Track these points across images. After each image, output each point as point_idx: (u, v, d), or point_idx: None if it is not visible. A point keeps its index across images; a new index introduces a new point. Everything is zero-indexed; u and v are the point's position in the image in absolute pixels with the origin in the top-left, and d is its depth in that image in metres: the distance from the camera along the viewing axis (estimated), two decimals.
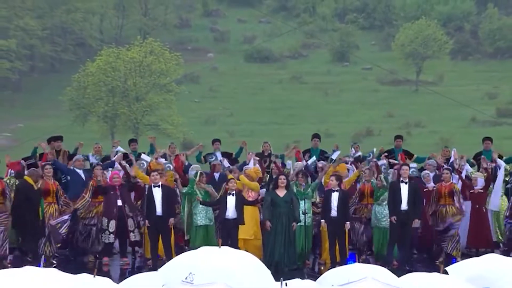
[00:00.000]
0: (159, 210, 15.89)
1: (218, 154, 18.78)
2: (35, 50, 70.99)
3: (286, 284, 8.83)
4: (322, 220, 16.16)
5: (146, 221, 15.96)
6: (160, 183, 16.04)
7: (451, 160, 18.11)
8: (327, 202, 16.10)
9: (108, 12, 77.54)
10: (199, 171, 16.98)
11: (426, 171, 17.69)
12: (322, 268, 16.24)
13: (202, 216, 16.50)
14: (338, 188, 16.12)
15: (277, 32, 73.93)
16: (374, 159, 18.25)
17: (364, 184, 17.22)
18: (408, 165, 16.93)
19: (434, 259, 16.78)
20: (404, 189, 16.05)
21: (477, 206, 17.22)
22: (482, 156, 18.28)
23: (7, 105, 65.47)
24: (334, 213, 16.00)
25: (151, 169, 16.99)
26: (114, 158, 17.78)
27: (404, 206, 16.01)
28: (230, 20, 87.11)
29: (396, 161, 18.24)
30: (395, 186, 16.16)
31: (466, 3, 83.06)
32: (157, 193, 15.93)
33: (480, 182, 17.34)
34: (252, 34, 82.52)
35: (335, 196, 16.01)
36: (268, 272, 9.59)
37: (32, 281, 8.19)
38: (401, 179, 16.20)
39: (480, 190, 17.27)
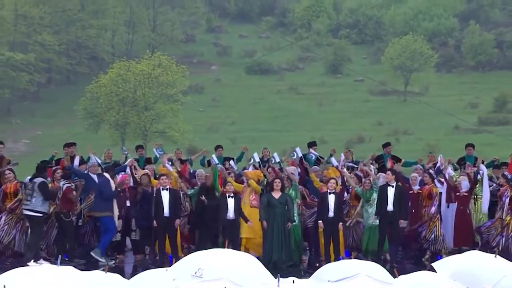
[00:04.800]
0: (166, 211, 15.90)
1: (214, 158, 18.78)
2: (52, 63, 71.05)
3: (293, 282, 8.83)
4: (320, 222, 16.16)
5: (154, 221, 15.97)
6: (168, 186, 16.10)
7: (437, 165, 18.10)
8: (324, 203, 16.11)
9: (119, 29, 77.67)
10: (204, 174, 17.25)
11: (414, 174, 17.70)
12: (317, 265, 16.21)
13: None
14: (334, 190, 16.17)
15: (276, 46, 74.00)
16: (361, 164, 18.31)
17: (352, 188, 17.28)
18: (393, 170, 16.95)
19: (420, 256, 16.86)
20: (391, 192, 16.22)
21: (462, 207, 17.19)
22: (467, 162, 18.27)
23: (26, 114, 65.52)
24: (331, 214, 16.05)
25: (159, 173, 17.01)
26: (126, 163, 17.77)
27: (390, 207, 16.17)
28: (232, 36, 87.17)
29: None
30: (383, 189, 16.31)
31: (450, 20, 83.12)
32: (165, 196, 15.94)
33: (464, 185, 17.33)
34: (253, 48, 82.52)
35: (331, 198, 16.06)
36: (266, 271, 9.59)
37: (50, 278, 8.16)
38: (387, 182, 16.36)
39: (464, 193, 17.26)
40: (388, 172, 16.56)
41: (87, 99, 55.27)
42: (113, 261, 16.13)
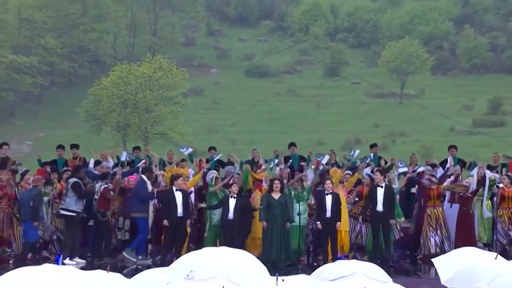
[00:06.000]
0: (180, 211, 15.95)
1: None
2: (55, 66, 71.04)
3: (283, 280, 8.76)
4: (318, 222, 16.15)
5: (165, 220, 15.95)
6: (181, 187, 16.12)
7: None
8: (321, 204, 16.10)
9: (120, 32, 77.68)
10: (214, 176, 17.25)
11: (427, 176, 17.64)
12: (315, 264, 16.19)
13: (219, 216, 16.53)
14: (331, 191, 16.16)
15: (274, 49, 74.00)
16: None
17: (363, 186, 17.23)
18: (382, 170, 16.96)
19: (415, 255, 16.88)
20: (380, 192, 16.21)
21: (464, 208, 17.14)
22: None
23: (29, 116, 65.50)
24: (328, 214, 16.03)
25: (174, 174, 16.96)
26: (139, 165, 17.74)
27: (379, 207, 16.16)
28: (231, 39, 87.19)
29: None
30: (372, 189, 16.31)
31: (445, 24, 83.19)
32: (179, 196, 15.99)
33: (471, 188, 17.30)
34: (252, 51, 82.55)
35: (329, 198, 16.05)
36: (263, 268, 9.54)
37: (51, 278, 8.09)
38: (377, 183, 16.35)
39: (468, 194, 17.22)
40: (377, 172, 16.60)
41: (89, 102, 55.23)
42: (150, 260, 16.29)
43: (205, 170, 17.89)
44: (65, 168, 17.44)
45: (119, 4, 76.97)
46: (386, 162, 19.66)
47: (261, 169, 18.02)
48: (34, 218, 15.67)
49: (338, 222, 16.09)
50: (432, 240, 16.59)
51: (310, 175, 17.73)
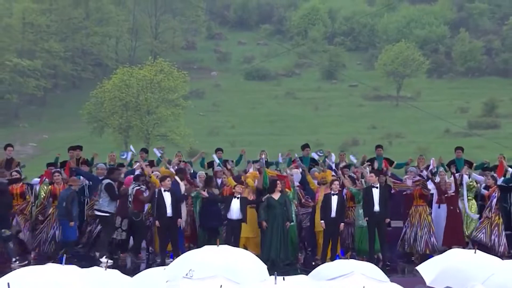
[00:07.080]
0: (169, 211, 15.86)
1: (215, 158, 18.79)
2: (58, 69, 71.02)
3: (283, 279, 8.75)
4: (322, 221, 16.12)
5: (157, 221, 15.91)
6: (169, 188, 16.05)
7: (430, 168, 18.07)
8: (327, 204, 16.08)
9: (122, 36, 77.64)
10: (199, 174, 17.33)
11: (406, 176, 17.75)
12: (313, 263, 16.17)
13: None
14: (337, 192, 16.14)
15: (273, 53, 73.96)
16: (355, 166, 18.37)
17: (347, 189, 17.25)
18: (376, 171, 17.00)
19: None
20: (375, 193, 16.22)
21: (451, 207, 17.16)
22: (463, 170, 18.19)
23: (33, 118, 65.49)
24: (333, 214, 16.02)
25: (162, 175, 16.92)
26: (135, 167, 17.71)
27: (376, 208, 16.17)
28: (231, 43, 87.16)
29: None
30: (368, 191, 16.32)
31: (440, 27, 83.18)
32: (167, 197, 15.91)
33: (452, 187, 17.35)
34: (251, 55, 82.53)
35: (334, 199, 16.05)
36: (263, 266, 9.51)
37: (54, 277, 8.08)
38: (371, 184, 16.36)
39: (452, 194, 17.25)
40: (371, 174, 16.60)
41: (92, 104, 55.23)
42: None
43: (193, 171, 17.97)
44: (54, 169, 17.33)
45: (121, 8, 77.03)
46: (392, 162, 19.52)
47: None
48: (69, 218, 15.68)
49: (342, 223, 16.09)
50: (408, 241, 16.70)
51: (296, 176, 17.68)
